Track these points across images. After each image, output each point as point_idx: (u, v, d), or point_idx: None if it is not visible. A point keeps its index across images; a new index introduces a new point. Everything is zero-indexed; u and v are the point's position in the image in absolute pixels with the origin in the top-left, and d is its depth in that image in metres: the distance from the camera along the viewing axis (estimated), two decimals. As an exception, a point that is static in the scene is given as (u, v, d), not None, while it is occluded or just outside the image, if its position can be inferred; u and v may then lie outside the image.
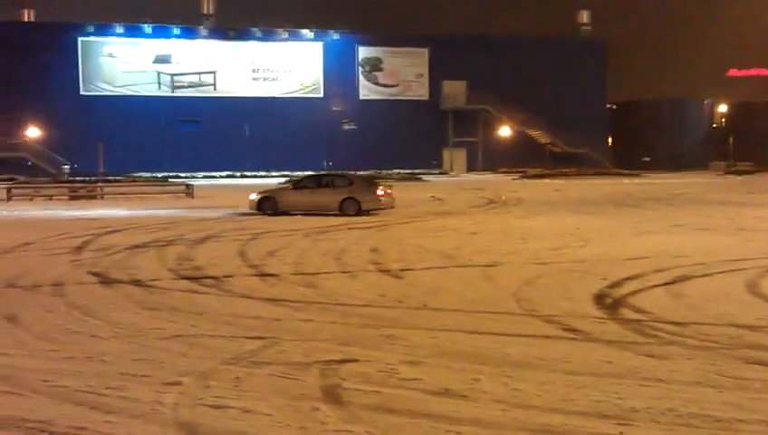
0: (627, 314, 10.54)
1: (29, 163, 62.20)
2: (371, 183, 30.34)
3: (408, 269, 14.78)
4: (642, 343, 8.94)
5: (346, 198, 27.90)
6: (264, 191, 29.41)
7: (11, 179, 53.19)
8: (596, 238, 19.46)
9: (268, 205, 28.06)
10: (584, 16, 79.10)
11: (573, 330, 9.53)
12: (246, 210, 28.72)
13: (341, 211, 27.44)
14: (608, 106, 78.66)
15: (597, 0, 79.28)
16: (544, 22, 79.24)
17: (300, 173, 63.55)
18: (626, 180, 55.99)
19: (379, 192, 28.47)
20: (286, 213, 27.63)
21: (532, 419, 6.35)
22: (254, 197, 28.68)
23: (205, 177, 61.83)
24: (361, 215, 27.14)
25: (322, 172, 33.56)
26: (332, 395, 6.99)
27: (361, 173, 40.58)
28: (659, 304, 11.13)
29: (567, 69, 73.55)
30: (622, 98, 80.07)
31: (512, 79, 71.50)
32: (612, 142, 78.62)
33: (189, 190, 39.98)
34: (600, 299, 11.51)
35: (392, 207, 28.66)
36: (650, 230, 21.45)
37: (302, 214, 27.45)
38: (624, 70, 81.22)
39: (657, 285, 12.67)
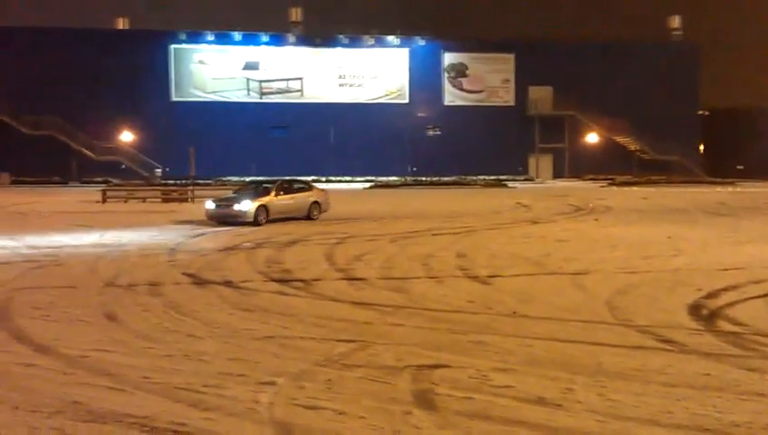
0: (724, 326, 10.25)
1: (123, 166, 64.05)
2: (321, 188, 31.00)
3: (496, 276, 14.68)
4: (741, 356, 8.68)
5: (313, 203, 28.40)
6: (253, 199, 26.64)
7: (106, 182, 54.95)
8: (689, 248, 18.99)
9: (263, 214, 26.28)
10: (676, 21, 77.24)
11: (669, 341, 9.32)
12: (205, 224, 26.21)
13: (308, 216, 27.89)
14: (700, 113, 76.63)
15: (689, 5, 77.28)
16: (634, 27, 77.64)
17: (384, 178, 64.01)
18: (718, 189, 54.44)
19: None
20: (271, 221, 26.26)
21: (630, 431, 6.24)
22: (249, 206, 26.00)
23: (291, 181, 62.56)
24: (317, 219, 27.98)
25: (275, 179, 32.40)
26: (425, 400, 7.00)
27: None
28: (758, 316, 10.79)
29: (657, 74, 71.98)
30: (715, 104, 77.87)
31: (600, 84, 70.36)
32: (704, 150, 76.54)
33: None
34: (695, 310, 11.23)
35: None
36: (746, 240, 20.80)
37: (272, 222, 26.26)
38: (717, 76, 79.07)
39: (756, 296, 12.28)
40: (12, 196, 44.46)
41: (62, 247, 19.30)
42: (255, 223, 25.73)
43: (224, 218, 26.13)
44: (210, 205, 27.16)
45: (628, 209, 33.37)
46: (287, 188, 28.51)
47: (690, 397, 7.10)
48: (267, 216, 26.39)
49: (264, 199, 26.81)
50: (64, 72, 63.90)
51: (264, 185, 28.94)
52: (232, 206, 26.38)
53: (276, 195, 27.40)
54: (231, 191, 30.65)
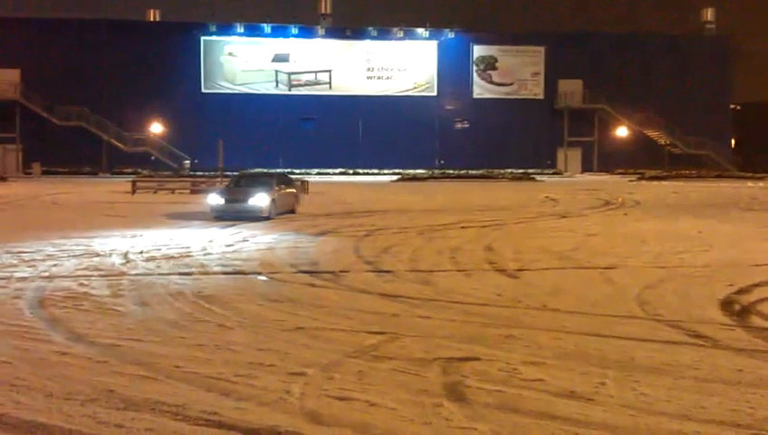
0: (756, 321, 10.15)
1: (152, 158, 64.58)
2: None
3: (525, 269, 14.64)
4: (774, 352, 8.60)
5: (296, 196, 28.01)
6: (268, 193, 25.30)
7: (135, 173, 55.41)
8: (720, 243, 18.79)
9: (274, 208, 25.13)
10: (708, 14, 76.45)
11: (700, 336, 9.24)
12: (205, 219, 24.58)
13: (292, 210, 27.20)
14: (731, 107, 75.81)
15: (722, -2, 76.35)
16: (666, 20, 76.80)
17: (411, 171, 63.95)
18: (750, 183, 53.82)
19: None
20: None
21: (663, 425, 6.20)
22: (266, 201, 24.70)
23: (318, 173, 62.84)
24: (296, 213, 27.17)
25: (262, 171, 32.94)
26: (455, 392, 7.00)
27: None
28: (792, 312, 10.67)
29: (688, 68, 71.32)
30: (747, 98, 77.04)
31: (630, 78, 69.86)
32: (736, 144, 75.73)
33: (304, 186, 40.61)
34: (726, 305, 11.13)
35: None
36: (778, 236, 20.56)
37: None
38: (750, 69, 78.12)
39: (789, 292, 12.14)
40: (43, 186, 44.98)
41: (93, 237, 19.48)
42: (268, 217, 24.60)
43: (236, 214, 24.52)
44: (217, 199, 25.13)
45: (658, 204, 33.12)
46: (280, 180, 27.51)
47: (723, 392, 7.05)
48: (275, 210, 25.40)
49: (273, 193, 25.55)
50: (95, 63, 64.52)
51: (260, 177, 27.80)
52: (246, 200, 24.80)
53: (278, 189, 26.35)
54: (224, 185, 29.09)
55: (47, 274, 13.71)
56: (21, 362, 7.94)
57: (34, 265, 14.65)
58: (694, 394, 6.98)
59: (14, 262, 15.13)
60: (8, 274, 13.63)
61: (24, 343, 8.72)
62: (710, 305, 11.10)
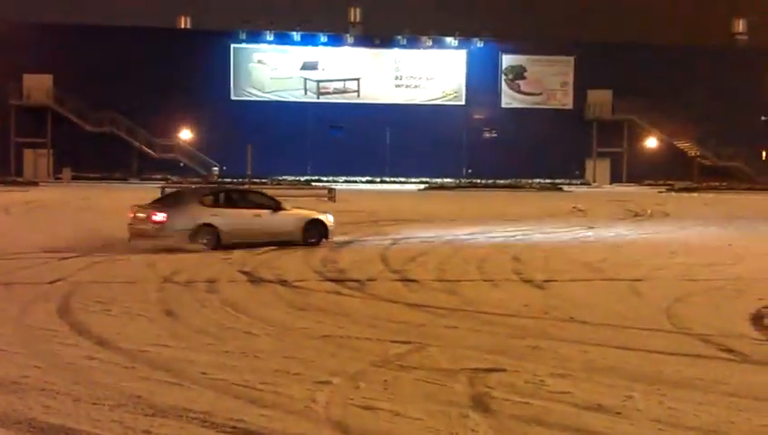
0: (788, 336, 10.02)
1: (181, 164, 64.99)
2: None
3: (552, 280, 14.56)
4: (806, 368, 8.48)
5: None
6: None
7: (165, 180, 55.83)
8: (750, 256, 18.59)
9: None
10: (740, 25, 75.77)
11: (730, 350, 9.14)
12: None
13: None
14: (762, 119, 74.95)
15: (755, 8, 75.47)
16: (697, 30, 76.07)
17: (438, 180, 63.87)
18: (781, 196, 53.18)
19: None
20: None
21: (691, 440, 6.14)
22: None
23: (346, 181, 62.97)
24: None
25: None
26: (481, 403, 6.97)
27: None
28: (824, 328, 10.52)
29: (719, 79, 70.54)
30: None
31: (660, 89, 69.20)
32: (767, 157, 74.83)
33: (331, 194, 40.76)
34: (757, 320, 11.00)
35: None
36: (810, 250, 20.29)
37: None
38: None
39: (821, 307, 11.97)
40: (73, 191, 45.43)
41: (121, 243, 19.59)
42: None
43: None
44: (330, 219, 20.62)
45: (688, 216, 32.83)
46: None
47: (753, 408, 6.95)
48: None
49: None
50: (126, 69, 64.99)
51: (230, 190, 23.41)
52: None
53: None
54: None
55: (75, 278, 13.81)
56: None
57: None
58: (723, 409, 6.89)
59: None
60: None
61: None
62: (740, 319, 10.97)
